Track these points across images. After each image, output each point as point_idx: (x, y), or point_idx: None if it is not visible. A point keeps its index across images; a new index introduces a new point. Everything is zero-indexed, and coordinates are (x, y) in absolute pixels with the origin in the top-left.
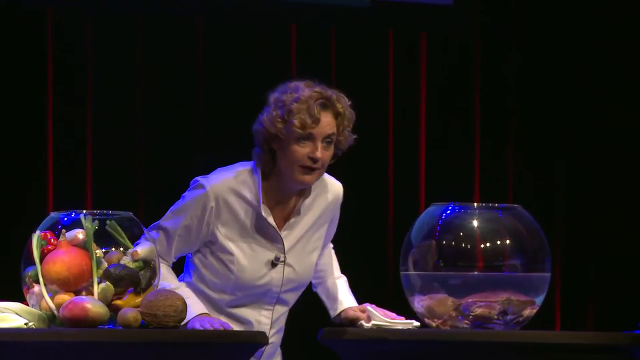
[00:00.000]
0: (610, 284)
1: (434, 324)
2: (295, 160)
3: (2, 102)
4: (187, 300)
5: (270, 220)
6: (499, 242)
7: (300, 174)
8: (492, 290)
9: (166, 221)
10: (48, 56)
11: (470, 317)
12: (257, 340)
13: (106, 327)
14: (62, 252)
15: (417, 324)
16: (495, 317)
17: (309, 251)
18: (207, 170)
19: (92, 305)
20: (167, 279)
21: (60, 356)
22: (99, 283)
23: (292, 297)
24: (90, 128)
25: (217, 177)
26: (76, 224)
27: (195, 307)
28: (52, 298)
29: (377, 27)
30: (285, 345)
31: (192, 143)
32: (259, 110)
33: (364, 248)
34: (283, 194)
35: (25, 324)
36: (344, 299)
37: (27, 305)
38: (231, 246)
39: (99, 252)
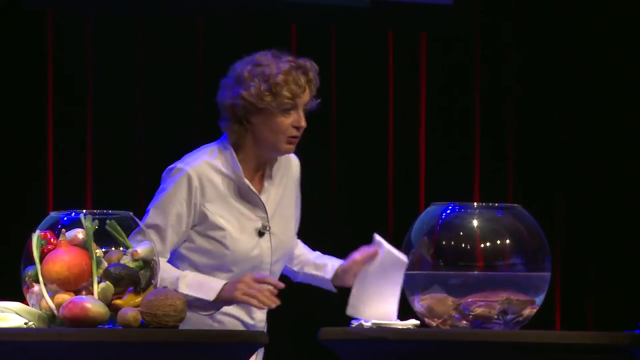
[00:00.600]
0: (610, 284)
1: (434, 324)
2: (281, 131)
3: (2, 102)
4: (202, 281)
5: (252, 187)
6: (499, 242)
7: (285, 144)
8: (492, 290)
9: (153, 218)
10: (48, 56)
11: (470, 316)
12: (258, 340)
13: (106, 326)
14: (62, 251)
15: (417, 323)
16: (495, 316)
17: (288, 218)
18: None
19: (92, 304)
20: (168, 270)
21: (60, 356)
22: (98, 283)
23: (279, 269)
24: (90, 128)
25: (192, 158)
26: (76, 223)
27: (215, 282)
28: (52, 298)
29: (377, 27)
30: (285, 345)
31: (192, 143)
32: None
33: None
34: (257, 164)
35: (25, 323)
36: (333, 261)
37: (27, 304)
38: (221, 221)
39: (98, 251)
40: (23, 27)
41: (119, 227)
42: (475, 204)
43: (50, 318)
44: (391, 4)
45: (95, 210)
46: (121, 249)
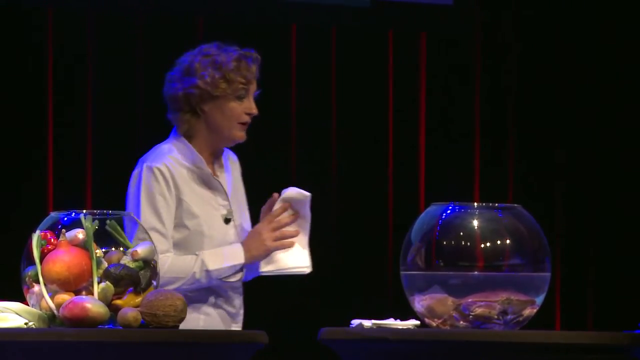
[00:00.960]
0: (611, 284)
1: (434, 324)
2: (234, 117)
3: (2, 101)
4: (219, 252)
5: (215, 176)
6: (499, 242)
7: (238, 130)
8: (492, 290)
9: (148, 222)
10: (48, 55)
11: (470, 317)
12: (258, 339)
13: (106, 326)
14: (62, 251)
15: (417, 323)
16: (495, 317)
17: (243, 206)
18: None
19: (92, 305)
20: (179, 262)
21: (61, 356)
22: (99, 283)
23: None
24: (90, 127)
25: (153, 156)
26: (76, 223)
27: (230, 247)
28: (52, 298)
29: (377, 27)
30: (285, 345)
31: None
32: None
33: (364, 248)
34: (209, 153)
35: (25, 323)
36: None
37: (27, 305)
38: (195, 209)
39: (99, 251)
40: (23, 26)
41: (119, 227)
42: (475, 204)
43: (51, 318)
44: (391, 4)
45: (95, 211)
46: (121, 249)
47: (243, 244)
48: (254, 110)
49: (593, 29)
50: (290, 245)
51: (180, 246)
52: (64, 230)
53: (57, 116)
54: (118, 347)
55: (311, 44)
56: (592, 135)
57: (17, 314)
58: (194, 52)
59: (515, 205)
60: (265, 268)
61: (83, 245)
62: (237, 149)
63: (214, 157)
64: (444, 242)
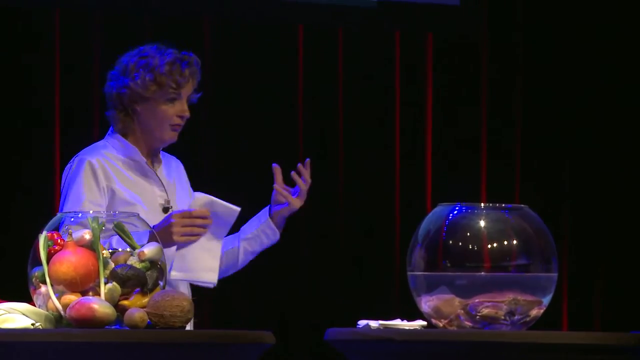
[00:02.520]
0: (618, 284)
1: (440, 325)
2: (165, 119)
3: (10, 100)
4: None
5: (150, 166)
6: (505, 242)
7: (169, 132)
8: (499, 291)
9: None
10: (55, 55)
11: (477, 317)
12: (265, 340)
13: (113, 327)
14: (69, 252)
15: (424, 324)
16: (502, 317)
17: (184, 198)
18: (215, 170)
19: (99, 305)
20: None
21: (67, 356)
22: (105, 283)
23: None
24: (97, 128)
25: (89, 150)
26: (83, 224)
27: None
28: (58, 298)
29: (384, 27)
30: (292, 345)
31: (197, 142)
32: (266, 110)
33: (370, 248)
34: (144, 152)
35: (32, 324)
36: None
37: (34, 305)
38: (129, 197)
39: (105, 252)
40: (30, 26)
41: (125, 228)
42: (482, 204)
43: (57, 319)
44: (398, 5)
45: (101, 211)
46: (128, 249)
47: (154, 227)
48: (186, 113)
49: (603, 28)
50: (195, 241)
51: None
52: (71, 231)
53: (64, 116)
54: (125, 348)
55: (318, 45)
56: (602, 134)
57: (23, 314)
58: (132, 52)
59: (522, 205)
60: (173, 273)
61: (90, 246)
62: (246, 150)
63: (151, 155)
64: (451, 243)
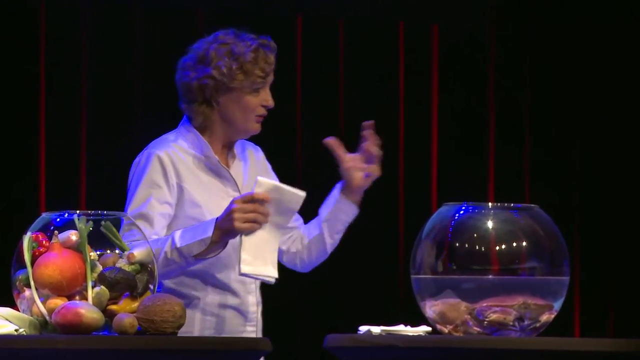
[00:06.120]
0: (632, 288)
1: (446, 330)
2: (250, 110)
3: None
4: (193, 227)
5: (221, 163)
6: (514, 244)
7: (253, 123)
8: (508, 295)
9: (138, 208)
10: (41, 51)
11: (485, 322)
12: (261, 347)
13: (101, 333)
14: (55, 254)
15: (428, 329)
16: (511, 323)
17: None
18: None
19: (86, 310)
20: (158, 240)
21: None
22: (93, 287)
23: None
24: (84, 124)
25: (159, 143)
26: (69, 224)
27: (205, 222)
28: (44, 303)
29: (387, 18)
30: (290, 352)
31: None
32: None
33: (373, 250)
34: (223, 145)
35: (16, 330)
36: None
37: (18, 310)
38: (198, 198)
39: (93, 254)
40: (15, 21)
41: (114, 229)
42: (489, 204)
43: (42, 324)
44: None
45: (89, 211)
46: (117, 251)
47: (217, 219)
48: (271, 103)
49: (613, 21)
50: (257, 229)
51: None
52: (56, 232)
53: (49, 112)
54: (113, 354)
55: (318, 36)
56: (613, 132)
57: (6, 319)
58: (209, 39)
59: (532, 205)
60: (244, 267)
61: (76, 248)
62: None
63: (227, 148)
64: (457, 244)
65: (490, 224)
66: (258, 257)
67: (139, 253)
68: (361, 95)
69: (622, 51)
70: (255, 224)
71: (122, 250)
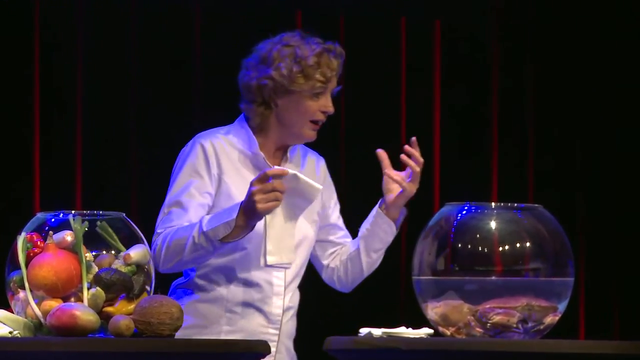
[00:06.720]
0: (638, 289)
1: (448, 333)
2: (308, 115)
3: None
4: (219, 212)
5: (268, 162)
6: (518, 245)
7: (309, 129)
8: (511, 296)
9: (176, 195)
10: (35, 49)
11: (488, 325)
12: (259, 349)
13: (96, 335)
14: (50, 255)
15: (430, 332)
16: (515, 325)
17: (318, 205)
18: None
19: (82, 312)
20: (184, 227)
21: None
22: (88, 289)
23: (298, 258)
24: (80, 123)
25: (205, 133)
26: (64, 225)
27: (230, 206)
28: (38, 305)
29: (388, 14)
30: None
31: (188, 140)
32: None
33: None
34: (276, 148)
35: (10, 332)
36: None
37: (12, 312)
38: (235, 193)
39: (88, 255)
40: (8, 19)
41: (110, 229)
42: (493, 204)
43: (37, 326)
44: None
45: (85, 211)
46: (113, 252)
47: (242, 203)
48: (331, 109)
49: (615, 16)
50: (276, 206)
51: None
52: (51, 232)
53: (44, 110)
54: (109, 357)
55: (317, 32)
56: (617, 132)
57: (0, 322)
58: (274, 40)
59: (536, 205)
60: (269, 258)
61: (72, 249)
62: None
63: (282, 152)
64: (460, 245)
65: (493, 224)
66: (281, 248)
67: (135, 254)
68: (362, 92)
69: (623, 50)
70: (276, 202)
71: (118, 251)
